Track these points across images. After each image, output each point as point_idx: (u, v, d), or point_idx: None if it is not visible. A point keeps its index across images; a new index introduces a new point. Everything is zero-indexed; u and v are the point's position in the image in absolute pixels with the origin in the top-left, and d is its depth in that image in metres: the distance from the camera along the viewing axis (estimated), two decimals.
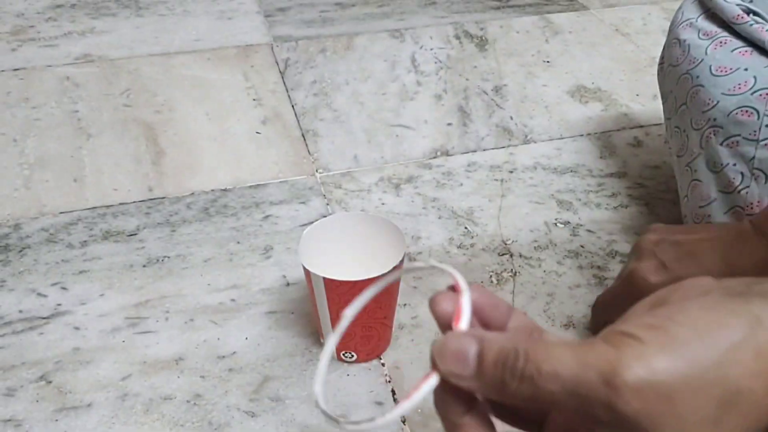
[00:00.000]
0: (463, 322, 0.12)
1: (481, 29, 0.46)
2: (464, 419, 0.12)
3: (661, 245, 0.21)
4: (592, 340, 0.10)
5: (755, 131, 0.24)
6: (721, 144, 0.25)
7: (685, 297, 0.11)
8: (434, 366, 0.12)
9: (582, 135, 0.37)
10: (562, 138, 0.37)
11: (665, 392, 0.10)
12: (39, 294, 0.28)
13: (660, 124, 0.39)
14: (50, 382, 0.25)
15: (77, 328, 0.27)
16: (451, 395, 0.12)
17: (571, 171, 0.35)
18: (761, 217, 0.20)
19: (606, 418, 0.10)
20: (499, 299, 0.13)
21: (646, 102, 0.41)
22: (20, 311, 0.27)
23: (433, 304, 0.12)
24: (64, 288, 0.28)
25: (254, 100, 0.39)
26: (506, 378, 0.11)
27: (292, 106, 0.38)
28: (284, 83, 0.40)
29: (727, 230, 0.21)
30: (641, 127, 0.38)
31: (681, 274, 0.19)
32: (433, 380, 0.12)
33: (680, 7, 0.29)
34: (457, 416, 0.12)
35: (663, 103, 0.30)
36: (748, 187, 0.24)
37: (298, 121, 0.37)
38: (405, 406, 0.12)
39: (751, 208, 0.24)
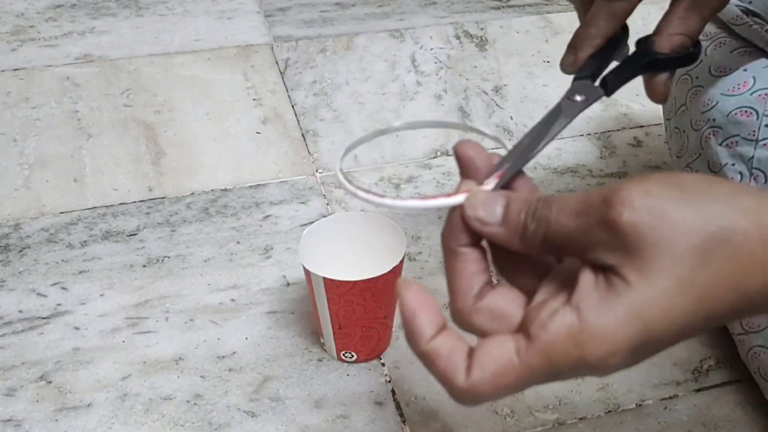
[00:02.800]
0: (490, 183, 0.13)
1: (481, 29, 0.46)
2: (464, 249, 0.13)
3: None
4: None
5: (754, 131, 0.24)
6: (721, 144, 0.25)
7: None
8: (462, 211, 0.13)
9: (582, 135, 0.37)
10: (562, 138, 0.37)
11: (657, 210, 0.10)
12: (39, 294, 0.28)
13: (660, 124, 0.39)
14: (50, 382, 0.25)
15: (77, 328, 0.27)
16: (462, 225, 0.13)
17: (571, 171, 0.35)
18: None
19: (604, 236, 0.11)
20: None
21: (646, 102, 0.41)
22: (20, 311, 0.27)
23: (459, 147, 0.13)
24: (64, 288, 0.28)
25: (254, 100, 0.39)
26: (527, 222, 0.12)
27: (292, 106, 0.38)
28: (284, 83, 0.40)
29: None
30: (641, 127, 0.38)
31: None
32: (459, 198, 0.13)
33: None
34: (459, 245, 0.13)
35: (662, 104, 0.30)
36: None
37: (298, 121, 0.37)
38: (419, 204, 0.13)
39: None
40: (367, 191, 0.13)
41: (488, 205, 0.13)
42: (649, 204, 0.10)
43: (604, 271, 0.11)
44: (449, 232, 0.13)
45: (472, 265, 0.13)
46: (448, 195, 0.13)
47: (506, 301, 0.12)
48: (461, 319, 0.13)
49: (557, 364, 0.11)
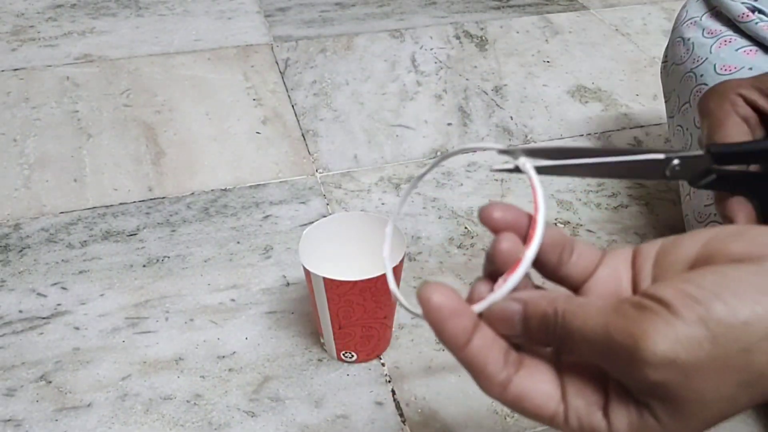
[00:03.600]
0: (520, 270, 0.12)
1: (481, 29, 0.46)
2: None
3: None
4: (624, 302, 0.10)
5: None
6: None
7: (739, 259, 0.10)
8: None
9: (582, 135, 0.37)
10: (562, 138, 0.37)
11: (687, 369, 0.10)
12: (39, 294, 0.28)
13: (660, 124, 0.39)
14: (50, 382, 0.25)
15: (77, 328, 0.27)
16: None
17: None
18: None
19: (632, 383, 0.10)
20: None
21: (646, 102, 0.41)
22: (20, 311, 0.27)
23: (488, 212, 0.12)
24: (64, 288, 0.28)
25: (254, 100, 0.39)
26: (548, 336, 0.11)
27: (292, 106, 0.38)
28: (284, 83, 0.40)
29: None
30: (641, 127, 0.38)
31: None
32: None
33: (684, 5, 0.29)
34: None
35: (665, 102, 0.30)
36: None
37: (298, 121, 0.37)
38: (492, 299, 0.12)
39: None
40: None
41: (506, 320, 0.11)
42: (679, 365, 0.10)
43: (636, 401, 0.11)
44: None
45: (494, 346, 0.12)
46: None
47: (537, 385, 0.11)
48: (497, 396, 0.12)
49: None
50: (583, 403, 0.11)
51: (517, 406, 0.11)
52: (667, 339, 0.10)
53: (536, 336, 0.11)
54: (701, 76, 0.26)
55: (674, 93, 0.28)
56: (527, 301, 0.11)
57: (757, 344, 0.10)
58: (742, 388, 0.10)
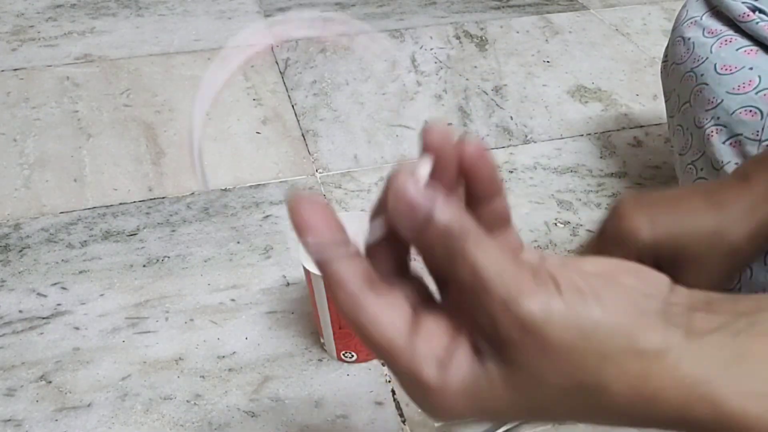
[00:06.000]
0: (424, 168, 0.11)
1: (481, 29, 0.46)
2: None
3: (644, 197, 0.19)
4: (525, 262, 0.11)
5: (758, 131, 0.24)
6: (724, 143, 0.24)
7: (631, 288, 0.10)
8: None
9: (582, 135, 0.37)
10: (562, 138, 0.37)
11: (545, 344, 0.10)
12: (39, 294, 0.28)
13: (660, 124, 0.39)
14: (50, 382, 0.25)
15: (77, 328, 0.27)
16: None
17: (571, 171, 0.35)
18: (745, 163, 0.19)
19: (489, 329, 0.10)
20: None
21: (646, 102, 0.41)
22: (20, 311, 0.27)
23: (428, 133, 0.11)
24: (64, 288, 0.28)
25: (254, 100, 0.39)
26: (443, 249, 0.11)
27: (292, 106, 0.38)
28: (284, 83, 0.40)
29: (707, 183, 0.20)
30: (641, 127, 0.38)
31: (669, 225, 0.16)
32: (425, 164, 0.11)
33: (685, 5, 0.29)
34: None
35: (666, 102, 0.30)
36: None
37: (298, 121, 0.37)
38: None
39: None
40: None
41: (416, 211, 0.11)
42: (538, 334, 0.10)
43: (481, 356, 0.10)
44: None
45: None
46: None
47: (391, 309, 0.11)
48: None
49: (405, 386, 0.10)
50: (428, 345, 0.11)
51: (364, 328, 0.11)
52: (543, 308, 0.10)
53: (430, 241, 0.11)
54: (701, 75, 0.26)
55: (674, 93, 0.28)
56: (449, 206, 0.11)
57: (616, 356, 0.10)
58: (582, 392, 0.10)
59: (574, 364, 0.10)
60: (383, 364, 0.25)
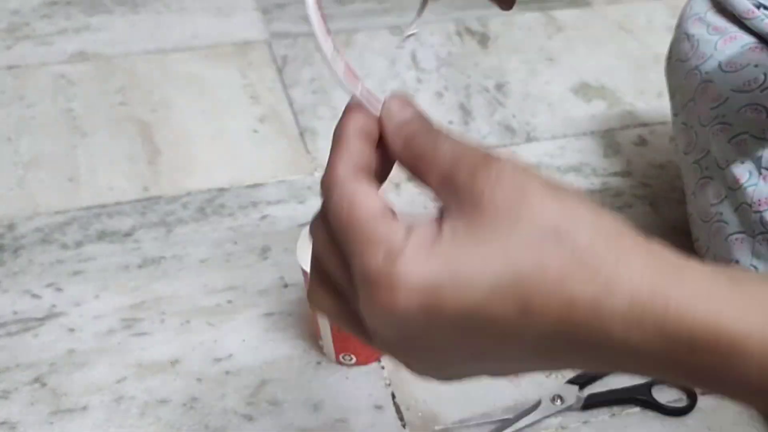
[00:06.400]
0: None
1: (483, 26, 0.45)
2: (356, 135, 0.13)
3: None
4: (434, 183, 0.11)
5: (763, 129, 0.23)
6: (729, 141, 0.24)
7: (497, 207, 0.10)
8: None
9: (585, 133, 0.37)
10: (566, 136, 0.37)
11: (522, 185, 0.11)
12: (33, 295, 0.28)
13: (665, 122, 0.38)
14: (45, 384, 0.24)
15: (72, 330, 0.26)
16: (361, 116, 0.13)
17: (575, 170, 0.35)
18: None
19: (464, 180, 0.11)
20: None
21: (650, 100, 0.40)
22: (14, 312, 0.27)
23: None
24: (58, 289, 0.28)
25: (251, 97, 0.38)
26: (421, 134, 0.12)
27: (290, 104, 0.38)
28: (282, 81, 0.39)
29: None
30: (646, 125, 0.38)
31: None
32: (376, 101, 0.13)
33: (689, 1, 0.28)
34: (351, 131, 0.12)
35: (670, 99, 0.29)
36: (755, 185, 0.23)
37: (296, 119, 0.37)
38: (336, 68, 0.12)
39: (759, 205, 0.23)
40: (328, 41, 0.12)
41: (403, 106, 0.12)
42: (517, 177, 0.11)
43: (444, 217, 0.11)
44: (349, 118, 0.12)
45: (363, 145, 0.12)
46: (372, 95, 0.13)
47: (378, 196, 0.12)
48: (327, 185, 0.12)
49: (357, 267, 0.11)
50: (399, 221, 0.11)
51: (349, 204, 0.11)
52: (519, 164, 0.11)
53: (408, 128, 0.12)
54: (706, 73, 0.25)
55: (679, 90, 0.28)
56: (421, 112, 0.12)
57: (589, 207, 0.10)
58: (555, 235, 0.10)
59: (553, 207, 0.10)
60: (383, 367, 0.25)
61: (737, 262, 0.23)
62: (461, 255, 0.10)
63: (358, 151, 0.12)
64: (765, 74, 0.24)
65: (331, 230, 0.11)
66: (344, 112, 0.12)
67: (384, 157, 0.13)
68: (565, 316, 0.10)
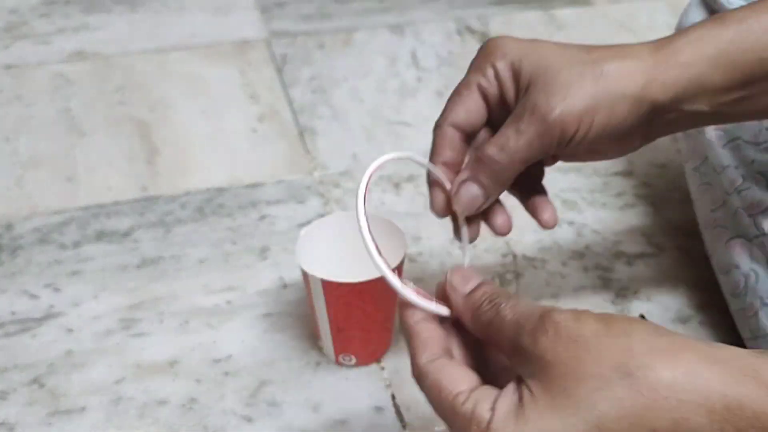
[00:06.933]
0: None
1: (483, 24, 0.45)
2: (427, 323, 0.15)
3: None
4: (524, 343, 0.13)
5: (756, 134, 0.23)
6: (723, 147, 0.24)
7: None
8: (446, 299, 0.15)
9: None
10: None
11: (577, 338, 0.12)
12: (31, 295, 0.27)
13: None
14: (43, 385, 0.24)
15: (70, 331, 0.26)
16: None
17: (576, 170, 0.34)
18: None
19: (527, 346, 0.12)
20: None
21: None
22: (12, 313, 0.27)
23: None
24: (56, 289, 0.28)
25: (250, 97, 0.38)
26: (484, 303, 0.14)
27: (290, 103, 0.38)
28: (281, 80, 0.39)
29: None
30: None
31: (540, 47, 0.16)
32: (444, 311, 0.15)
33: (685, 10, 0.28)
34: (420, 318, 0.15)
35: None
36: (749, 188, 0.23)
37: (296, 118, 0.37)
38: (408, 295, 0.14)
39: (752, 208, 0.23)
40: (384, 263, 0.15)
41: (465, 278, 0.14)
42: (569, 329, 0.12)
43: (521, 382, 0.12)
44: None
45: (433, 331, 0.14)
46: (435, 301, 0.15)
47: (457, 372, 0.13)
48: (417, 378, 0.14)
49: None
50: (484, 393, 0.13)
51: (434, 382, 0.13)
52: (573, 312, 0.12)
53: (473, 302, 0.14)
54: None
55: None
56: (486, 281, 0.14)
57: (639, 336, 0.12)
58: (618, 374, 0.11)
59: (609, 351, 0.12)
60: (383, 368, 0.25)
61: (737, 266, 0.23)
62: (544, 419, 0.11)
63: (432, 336, 0.14)
64: None
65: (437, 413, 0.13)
66: (401, 307, 0.14)
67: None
68: None
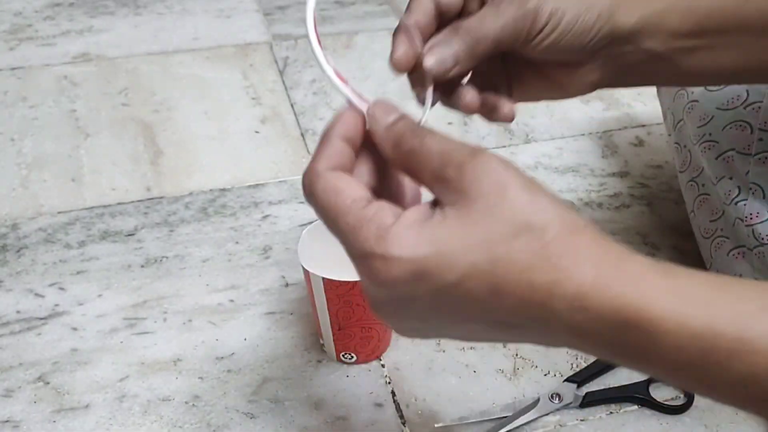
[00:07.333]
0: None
1: None
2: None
3: None
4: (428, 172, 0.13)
5: (749, 145, 0.24)
6: (717, 158, 0.24)
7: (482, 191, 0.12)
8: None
9: (583, 134, 0.37)
10: (564, 137, 0.37)
11: (503, 182, 0.12)
12: (37, 294, 0.28)
13: (662, 123, 0.38)
14: (48, 383, 0.25)
15: (75, 329, 0.26)
16: (353, 121, 0.14)
17: (573, 170, 0.35)
18: None
19: (452, 176, 0.13)
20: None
21: (648, 101, 0.41)
22: (18, 312, 0.27)
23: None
24: (61, 288, 0.28)
25: (253, 99, 0.39)
26: (407, 134, 0.13)
27: (291, 105, 0.38)
28: (283, 82, 0.40)
29: None
30: (643, 126, 0.38)
31: None
32: (363, 106, 0.14)
33: None
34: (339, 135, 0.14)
35: (664, 120, 0.30)
36: (745, 200, 0.24)
37: (297, 120, 0.37)
38: (341, 86, 0.14)
39: (750, 219, 0.23)
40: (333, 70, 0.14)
41: (387, 110, 0.14)
42: (499, 174, 0.12)
43: (437, 205, 0.13)
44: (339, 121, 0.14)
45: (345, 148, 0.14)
46: (360, 97, 0.14)
47: (358, 185, 0.13)
48: (310, 179, 0.13)
49: (356, 235, 0.12)
50: (387, 205, 0.13)
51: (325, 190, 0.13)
52: (504, 160, 0.12)
53: (395, 132, 0.14)
54: (692, 92, 0.26)
55: (669, 111, 0.28)
56: (408, 114, 0.14)
57: (559, 204, 0.12)
58: (528, 229, 0.12)
59: (528, 204, 0.12)
60: (383, 365, 0.25)
61: (740, 276, 0.24)
62: (448, 236, 0.12)
63: (339, 151, 0.14)
64: (747, 91, 0.24)
65: (324, 221, 0.13)
66: (333, 119, 0.14)
67: (379, 165, 0.14)
68: (526, 299, 0.12)
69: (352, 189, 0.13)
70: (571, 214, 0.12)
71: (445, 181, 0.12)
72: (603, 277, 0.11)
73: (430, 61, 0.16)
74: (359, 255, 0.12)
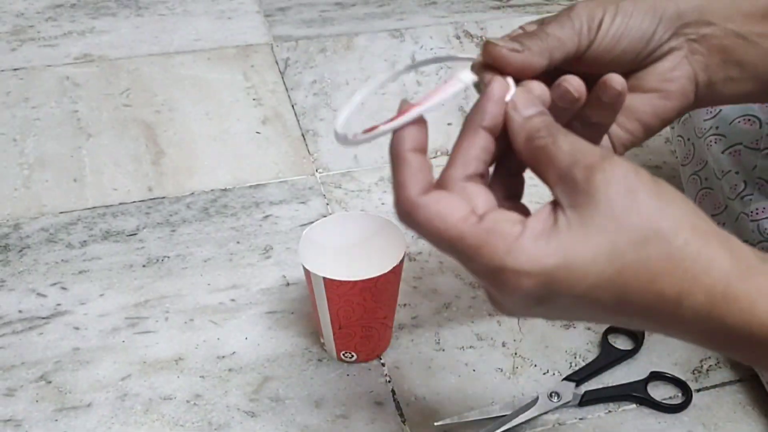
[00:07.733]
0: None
1: (482, 29, 0.46)
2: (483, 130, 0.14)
3: None
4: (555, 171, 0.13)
5: (757, 140, 0.24)
6: (723, 152, 0.24)
7: (609, 195, 0.12)
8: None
9: None
10: None
11: (631, 188, 0.12)
12: (39, 294, 0.28)
13: None
14: (50, 382, 0.25)
15: (77, 328, 0.27)
16: (489, 109, 0.14)
17: None
18: None
19: (578, 178, 0.13)
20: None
21: None
22: (20, 311, 0.27)
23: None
24: (63, 288, 0.28)
25: (254, 99, 0.39)
26: (542, 129, 0.13)
27: (292, 106, 0.38)
28: (284, 83, 0.40)
29: None
30: None
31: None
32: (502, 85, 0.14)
33: None
34: (481, 124, 0.14)
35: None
36: (751, 194, 0.23)
37: (298, 120, 0.37)
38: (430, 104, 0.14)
39: (756, 214, 0.23)
40: (370, 130, 0.14)
41: (529, 102, 0.14)
42: (629, 179, 0.12)
43: (558, 208, 0.13)
44: (476, 112, 0.14)
45: (482, 142, 0.14)
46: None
47: (484, 193, 0.13)
48: (406, 211, 0.13)
49: (481, 253, 0.12)
50: (505, 213, 0.13)
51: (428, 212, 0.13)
52: (634, 165, 0.13)
53: (531, 124, 0.14)
54: None
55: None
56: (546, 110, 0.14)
57: (687, 209, 0.12)
58: (655, 235, 0.12)
59: (656, 211, 0.12)
60: (383, 364, 0.25)
61: None
62: (574, 245, 0.12)
63: (419, 168, 0.13)
64: None
65: (436, 246, 0.13)
66: (394, 137, 0.14)
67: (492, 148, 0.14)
68: (652, 306, 0.12)
69: (455, 209, 0.13)
70: (700, 219, 0.12)
71: (572, 182, 0.12)
72: (733, 287, 0.12)
73: (514, 60, 0.15)
74: (487, 271, 0.12)
